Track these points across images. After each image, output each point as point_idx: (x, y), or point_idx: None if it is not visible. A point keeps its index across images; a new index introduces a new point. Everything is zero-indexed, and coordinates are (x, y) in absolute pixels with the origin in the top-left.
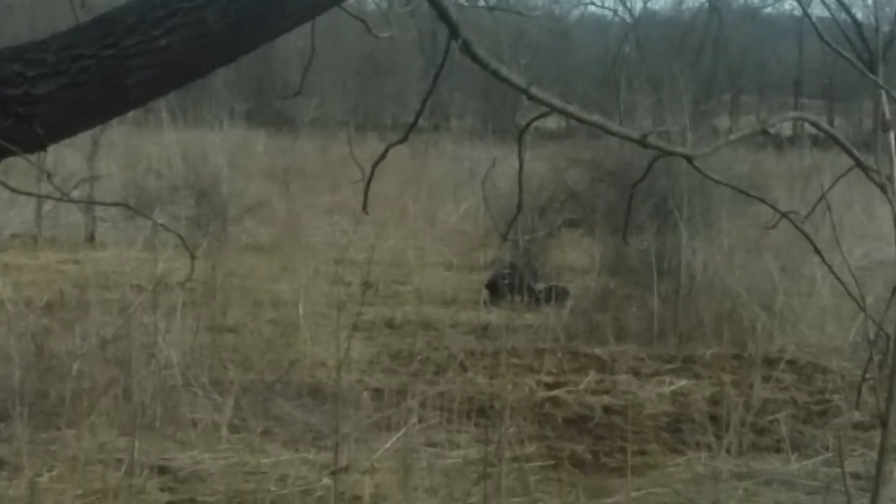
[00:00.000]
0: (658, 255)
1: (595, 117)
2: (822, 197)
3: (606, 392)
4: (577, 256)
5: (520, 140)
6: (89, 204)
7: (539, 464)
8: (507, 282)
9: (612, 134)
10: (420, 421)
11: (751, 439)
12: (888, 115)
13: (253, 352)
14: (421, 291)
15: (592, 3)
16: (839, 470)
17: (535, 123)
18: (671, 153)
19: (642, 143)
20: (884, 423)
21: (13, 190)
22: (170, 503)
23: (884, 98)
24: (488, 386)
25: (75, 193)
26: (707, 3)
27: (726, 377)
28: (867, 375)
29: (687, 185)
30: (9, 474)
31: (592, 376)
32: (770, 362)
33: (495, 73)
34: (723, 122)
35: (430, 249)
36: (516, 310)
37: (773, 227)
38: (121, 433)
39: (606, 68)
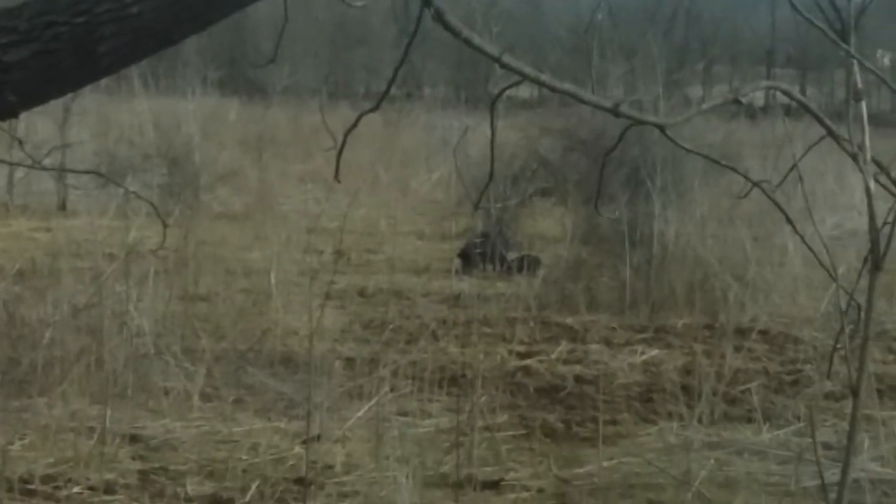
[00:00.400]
0: (630, 225)
1: (567, 86)
2: (794, 166)
3: (578, 362)
4: (549, 225)
5: (492, 109)
6: (61, 172)
7: (511, 433)
8: (479, 251)
9: (585, 103)
10: (392, 390)
11: (722, 409)
12: (860, 85)
13: (225, 320)
14: (393, 260)
15: None
16: (810, 440)
17: (508, 92)
18: (643, 122)
19: (614, 112)
20: (855, 393)
21: None
22: (141, 471)
23: (855, 67)
24: (460, 355)
25: (47, 161)
26: None
27: (698, 347)
28: (839, 345)
29: (659, 155)
30: None
31: (564, 346)
32: (742, 332)
33: (468, 42)
34: (695, 91)
35: (402, 218)
36: (488, 279)
37: (745, 196)
38: (92, 401)
39: (579, 37)
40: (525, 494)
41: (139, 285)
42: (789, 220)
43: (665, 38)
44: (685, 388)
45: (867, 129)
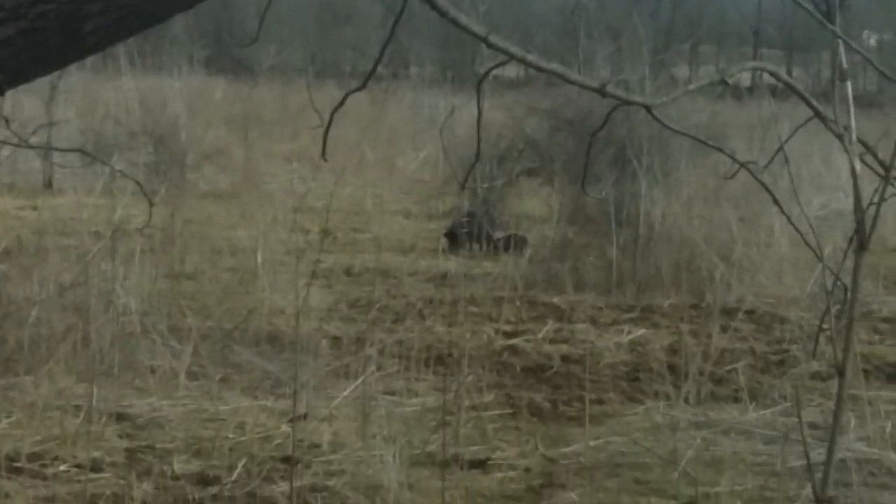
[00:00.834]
0: (617, 205)
1: (554, 66)
2: (781, 147)
3: (565, 341)
4: (535, 205)
5: (478, 88)
6: (47, 150)
7: (497, 412)
8: (465, 230)
9: (571, 83)
10: (378, 369)
11: (709, 389)
12: (845, 65)
13: (211, 299)
14: (380, 239)
15: None
16: (797, 420)
17: (494, 72)
18: (630, 102)
19: (601, 91)
20: (841, 373)
21: None
22: (128, 449)
23: (841, 48)
24: (447, 334)
25: (33, 139)
26: None
27: (684, 327)
28: (824, 326)
29: (646, 135)
30: None
31: (551, 325)
32: (728, 312)
33: (454, 22)
34: (682, 71)
35: (388, 197)
36: (475, 258)
37: (732, 177)
38: (79, 380)
39: (566, 17)
40: (511, 473)
41: (125, 264)
42: (776, 201)
43: (651, 18)
44: (671, 368)
45: (853, 109)
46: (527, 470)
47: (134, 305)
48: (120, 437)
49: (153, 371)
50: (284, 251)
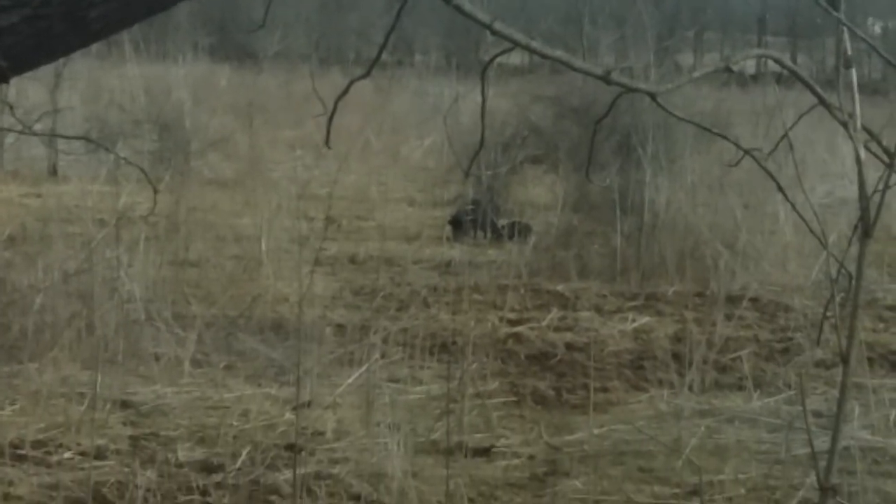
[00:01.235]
0: (621, 192)
1: (558, 53)
2: (785, 135)
3: (569, 329)
4: (540, 193)
5: (483, 76)
6: (52, 137)
7: (501, 400)
8: (470, 218)
9: (576, 70)
10: (383, 357)
11: (713, 377)
12: (849, 52)
13: (216, 286)
14: (384, 227)
15: None
16: (801, 408)
17: (499, 59)
18: (634, 90)
19: (606, 79)
20: (845, 361)
21: None
22: (132, 437)
23: (845, 35)
24: (451, 322)
25: (38, 126)
26: None
27: (689, 315)
28: (828, 313)
29: (650, 123)
30: None
31: (555, 313)
32: (732, 300)
33: (458, 8)
34: (686, 58)
35: (393, 185)
36: (479, 246)
37: (736, 164)
38: (83, 367)
39: (570, 4)
40: (516, 461)
41: (130, 251)
42: (780, 188)
43: (656, 5)
44: (676, 356)
45: (857, 96)
46: (531, 458)
47: (138, 293)
48: (124, 424)
49: (157, 358)
50: (288, 239)
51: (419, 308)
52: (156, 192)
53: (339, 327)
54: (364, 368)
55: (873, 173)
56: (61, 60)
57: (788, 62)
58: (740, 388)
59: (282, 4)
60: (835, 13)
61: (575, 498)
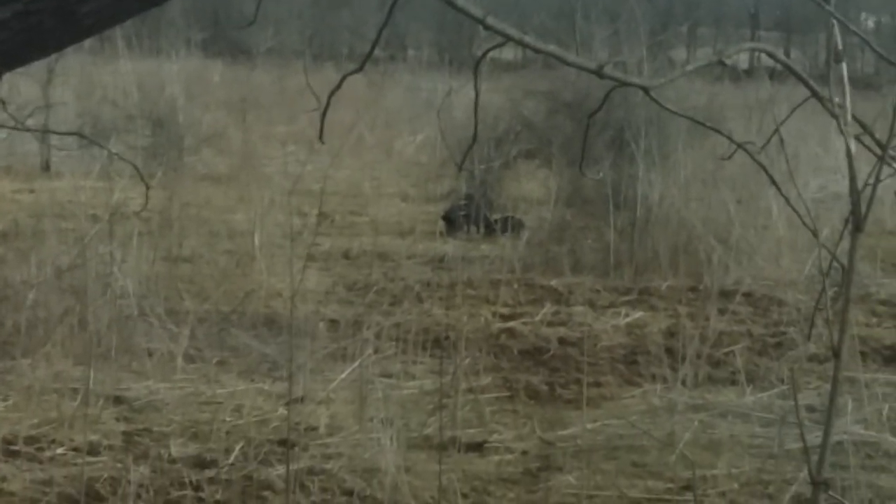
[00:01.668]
0: (614, 187)
1: (551, 48)
2: (777, 129)
3: (562, 324)
4: (533, 188)
5: (476, 70)
6: (44, 133)
7: (494, 395)
8: (463, 213)
9: (569, 64)
10: (376, 352)
11: (706, 371)
12: (841, 46)
13: (209, 282)
14: (377, 222)
15: None
16: (794, 402)
17: (492, 54)
18: (628, 84)
19: (599, 73)
20: (837, 355)
21: None
22: (125, 433)
23: (836, 28)
24: (444, 317)
25: (30, 122)
26: None
27: (682, 309)
28: (821, 307)
29: (643, 117)
30: None
31: (548, 308)
32: (726, 294)
33: (451, 3)
34: (679, 53)
35: (386, 180)
36: (472, 241)
37: (729, 158)
38: (76, 363)
39: None
40: (509, 456)
41: (123, 247)
42: (773, 182)
43: (649, 0)
44: (669, 351)
45: (848, 89)
46: (524, 453)
47: (131, 288)
48: (117, 420)
49: (150, 354)
50: (281, 234)
51: (412, 303)
52: (148, 187)
53: (332, 322)
54: (357, 364)
55: (866, 167)
56: (53, 56)
57: (781, 56)
58: (733, 382)
59: (275, 0)
60: (826, 7)
61: (568, 493)
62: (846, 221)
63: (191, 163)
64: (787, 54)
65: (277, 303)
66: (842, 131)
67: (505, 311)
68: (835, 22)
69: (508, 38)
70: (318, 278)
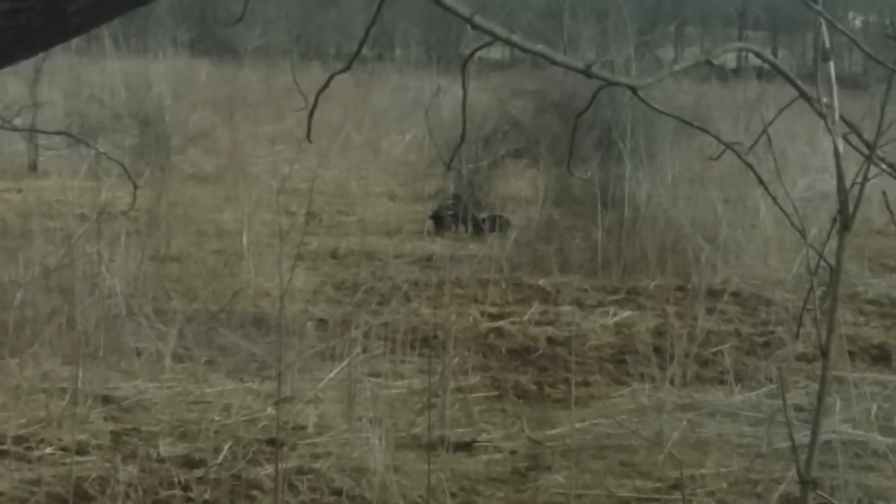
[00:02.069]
0: (602, 187)
1: (539, 47)
2: (765, 129)
3: (550, 323)
4: (521, 187)
5: (463, 70)
6: (31, 132)
7: (483, 394)
8: (451, 212)
9: (557, 64)
10: (364, 351)
11: (694, 371)
12: (828, 45)
13: (197, 281)
14: (365, 221)
15: None
16: (782, 401)
17: (479, 53)
18: (615, 83)
19: (586, 73)
20: (825, 355)
21: None
22: (114, 432)
23: (823, 27)
24: (432, 316)
25: (17, 121)
26: None
27: (670, 309)
28: (808, 307)
29: (631, 117)
30: None
31: (536, 307)
32: (714, 294)
33: (439, 2)
34: (667, 53)
35: (373, 179)
36: (460, 240)
37: (717, 158)
38: (64, 362)
39: None
40: (497, 456)
41: (111, 246)
42: (761, 182)
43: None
44: (657, 350)
45: (835, 88)
46: (512, 452)
47: (119, 288)
48: (105, 419)
49: (138, 353)
50: (269, 233)
51: (400, 302)
52: (136, 187)
53: (321, 322)
54: (345, 363)
55: (854, 167)
56: (41, 55)
57: (769, 56)
58: (721, 381)
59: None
60: (814, 6)
61: (556, 492)
62: (834, 221)
63: (178, 162)
64: (775, 54)
65: (266, 302)
66: (829, 131)
67: (493, 310)
68: (822, 21)
69: (496, 38)
70: (306, 278)
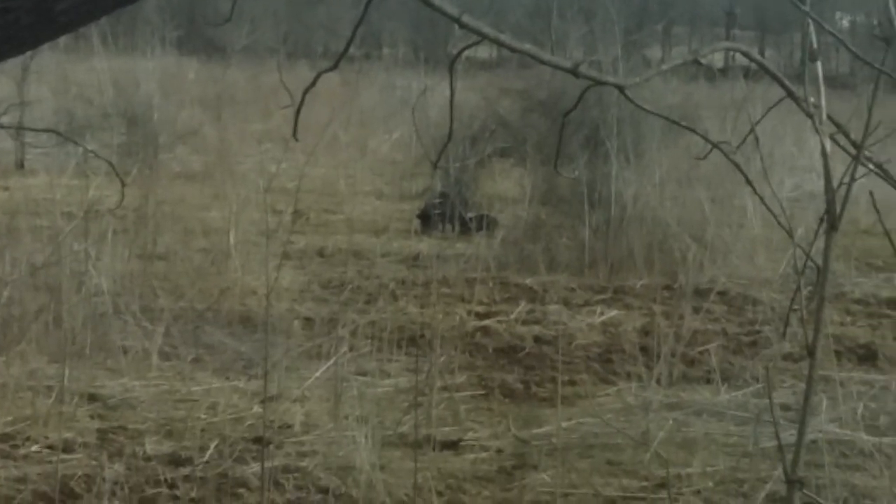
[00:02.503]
0: (589, 186)
1: (527, 46)
2: (753, 129)
3: (537, 322)
4: (508, 186)
5: (451, 69)
6: (19, 130)
7: (469, 393)
8: (438, 211)
9: (544, 63)
10: (351, 350)
11: (681, 370)
12: (816, 45)
13: (184, 279)
14: (352, 220)
15: None
16: (768, 401)
17: (467, 53)
18: (603, 83)
19: (574, 72)
20: (811, 354)
21: None
22: (100, 430)
23: (811, 27)
24: (419, 315)
25: (5, 119)
26: None
27: (657, 308)
28: (796, 306)
29: (618, 116)
30: None
31: (523, 306)
32: (700, 293)
33: (427, 2)
34: (654, 52)
35: (361, 178)
36: (447, 239)
37: (704, 157)
38: (51, 360)
39: None
40: (484, 454)
41: (98, 244)
42: (748, 181)
43: None
44: (644, 349)
45: (823, 88)
46: (499, 451)
47: (106, 286)
48: (92, 417)
49: (125, 352)
50: (256, 232)
51: (387, 301)
52: (124, 185)
53: (308, 320)
54: (332, 361)
55: (841, 167)
56: (29, 53)
57: (756, 55)
58: (708, 381)
59: None
60: (801, 7)
61: (543, 491)
62: (821, 220)
63: (166, 160)
64: (762, 53)
65: (252, 301)
66: (817, 130)
67: (480, 309)
68: (810, 21)
69: (484, 37)
70: (293, 276)
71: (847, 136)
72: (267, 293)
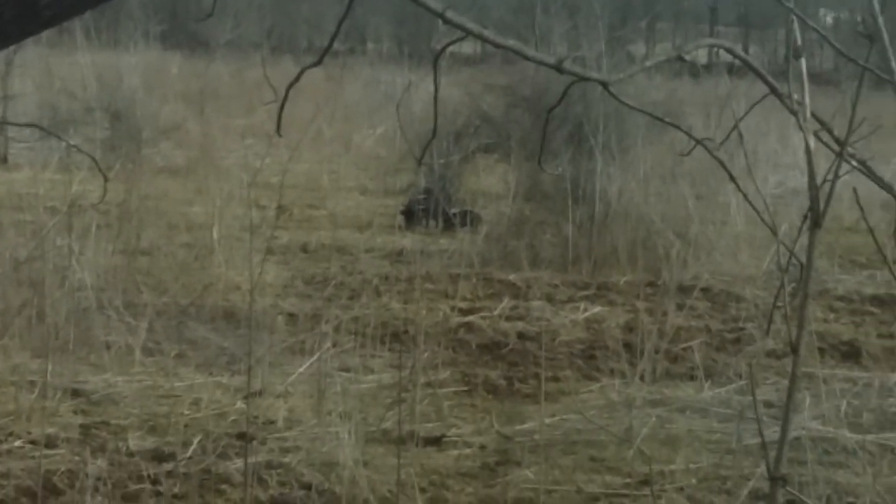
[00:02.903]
0: (573, 182)
1: (511, 42)
2: (736, 125)
3: (521, 318)
4: (492, 182)
5: (435, 64)
6: (2, 124)
7: (453, 389)
8: (421, 207)
9: (528, 59)
10: (334, 345)
11: (664, 367)
12: (800, 42)
13: (167, 275)
14: (335, 216)
15: None
16: (752, 398)
17: (451, 48)
18: (587, 79)
19: (558, 68)
20: (795, 351)
21: None
22: (83, 426)
23: (795, 24)
24: (403, 311)
25: None
26: None
27: (640, 304)
28: (779, 303)
29: (602, 112)
30: None
31: (507, 302)
32: (684, 290)
33: None
34: (638, 48)
35: (344, 173)
36: (431, 235)
37: (688, 154)
38: (34, 355)
39: None
40: (467, 451)
41: (81, 239)
42: (732, 178)
43: None
44: (627, 346)
45: (807, 85)
46: (482, 447)
47: (89, 281)
48: (75, 413)
49: (108, 347)
50: (240, 227)
51: (371, 297)
52: (107, 180)
53: (291, 316)
54: (315, 357)
55: (825, 163)
56: (12, 47)
57: (740, 52)
58: (691, 377)
59: None
60: (785, 3)
61: (526, 487)
62: (804, 217)
63: (149, 155)
64: (746, 50)
65: (236, 296)
66: (801, 127)
67: (463, 305)
68: (794, 18)
69: (468, 33)
70: (276, 272)
71: (831, 133)
72: (251, 289)
